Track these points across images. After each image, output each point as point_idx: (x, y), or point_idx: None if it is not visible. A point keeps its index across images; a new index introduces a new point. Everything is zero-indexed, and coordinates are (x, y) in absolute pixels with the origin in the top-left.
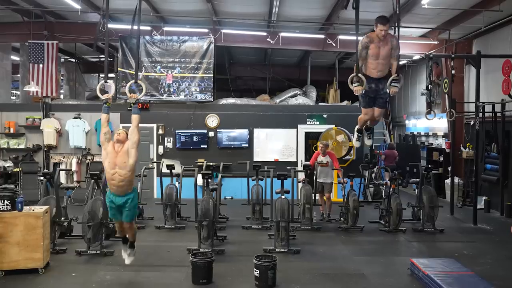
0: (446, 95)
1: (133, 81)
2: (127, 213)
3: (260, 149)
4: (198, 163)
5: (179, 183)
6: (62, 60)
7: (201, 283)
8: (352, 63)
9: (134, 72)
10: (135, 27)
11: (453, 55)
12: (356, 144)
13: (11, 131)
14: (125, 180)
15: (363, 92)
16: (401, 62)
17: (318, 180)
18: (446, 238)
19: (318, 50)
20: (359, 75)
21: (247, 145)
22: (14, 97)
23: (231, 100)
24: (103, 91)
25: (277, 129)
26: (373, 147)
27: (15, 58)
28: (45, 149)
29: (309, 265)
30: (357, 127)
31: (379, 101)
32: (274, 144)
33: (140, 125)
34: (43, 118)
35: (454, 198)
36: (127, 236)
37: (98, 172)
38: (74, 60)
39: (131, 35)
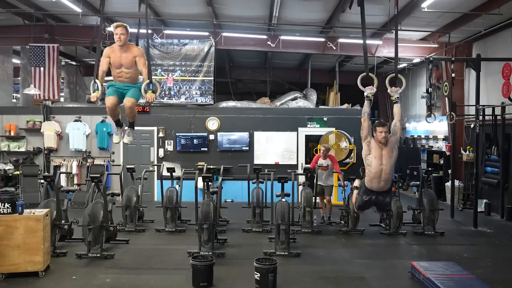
0: (446, 98)
1: (149, 81)
2: (130, 92)
3: (260, 152)
4: (199, 166)
5: (179, 186)
6: (63, 63)
7: (201, 286)
8: (352, 66)
9: None
10: (142, 31)
11: (453, 58)
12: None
13: (12, 134)
14: (129, 78)
15: (361, 196)
16: (401, 65)
17: (318, 183)
18: (447, 241)
19: (318, 53)
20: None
21: (247, 148)
22: (15, 100)
23: (231, 103)
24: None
25: (278, 132)
26: None
27: (16, 61)
28: (46, 152)
29: (310, 268)
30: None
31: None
32: (275, 147)
33: (141, 128)
34: (44, 121)
35: (454, 201)
36: (119, 119)
37: (98, 175)
38: (74, 63)
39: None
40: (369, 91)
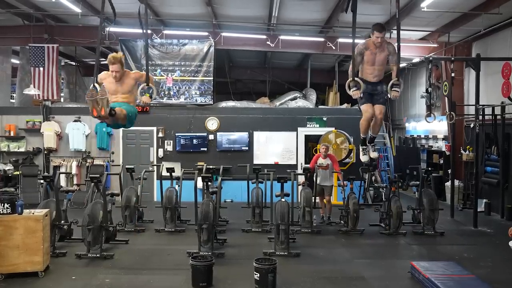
0: (446, 98)
1: (145, 84)
2: (124, 107)
3: (260, 152)
4: (198, 166)
5: (179, 186)
6: (62, 63)
7: (201, 286)
8: None
9: None
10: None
11: (452, 58)
12: (363, 158)
13: (12, 134)
14: (126, 102)
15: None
16: (401, 65)
17: (318, 183)
18: (447, 241)
19: (317, 53)
20: (356, 79)
21: (247, 148)
22: (13, 100)
23: (231, 103)
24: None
25: (277, 132)
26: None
27: (15, 61)
28: (45, 152)
29: (309, 268)
30: (361, 138)
31: (377, 98)
32: (274, 147)
33: (140, 128)
34: (43, 121)
35: (454, 201)
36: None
37: (98, 175)
38: (74, 63)
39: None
40: (355, 96)
